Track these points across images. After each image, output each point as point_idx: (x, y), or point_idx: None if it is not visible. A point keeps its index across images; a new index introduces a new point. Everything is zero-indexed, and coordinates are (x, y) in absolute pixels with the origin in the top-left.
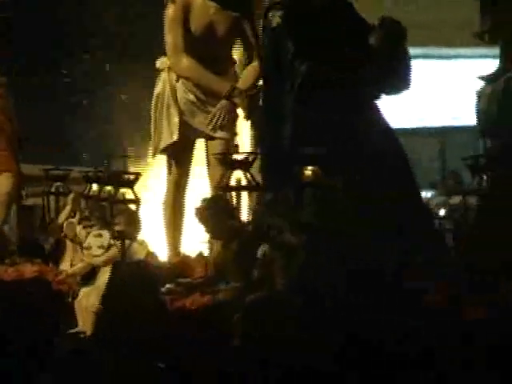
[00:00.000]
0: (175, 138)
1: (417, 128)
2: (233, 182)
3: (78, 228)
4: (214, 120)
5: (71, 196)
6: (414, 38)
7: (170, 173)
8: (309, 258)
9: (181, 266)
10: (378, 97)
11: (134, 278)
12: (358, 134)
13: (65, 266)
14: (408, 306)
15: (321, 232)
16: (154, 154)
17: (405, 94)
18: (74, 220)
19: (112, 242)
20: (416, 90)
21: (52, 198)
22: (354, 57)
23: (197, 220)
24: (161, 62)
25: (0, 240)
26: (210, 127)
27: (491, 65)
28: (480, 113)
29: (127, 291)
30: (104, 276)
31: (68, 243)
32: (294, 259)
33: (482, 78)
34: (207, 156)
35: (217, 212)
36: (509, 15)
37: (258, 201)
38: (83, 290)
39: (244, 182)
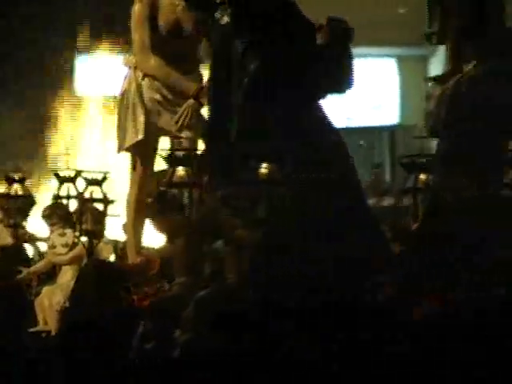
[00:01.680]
0: (140, 136)
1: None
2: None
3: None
4: (181, 119)
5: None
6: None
7: (133, 171)
8: (261, 253)
9: (143, 263)
10: (323, 96)
11: (98, 275)
12: (305, 131)
13: None
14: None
15: (274, 228)
16: (118, 152)
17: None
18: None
19: (76, 240)
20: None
21: None
22: (301, 55)
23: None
24: (127, 60)
25: None
26: (176, 127)
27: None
28: (428, 114)
29: (92, 288)
30: (67, 274)
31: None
32: (246, 255)
33: (431, 79)
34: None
35: (163, 208)
36: (455, 18)
37: (210, 197)
38: (46, 289)
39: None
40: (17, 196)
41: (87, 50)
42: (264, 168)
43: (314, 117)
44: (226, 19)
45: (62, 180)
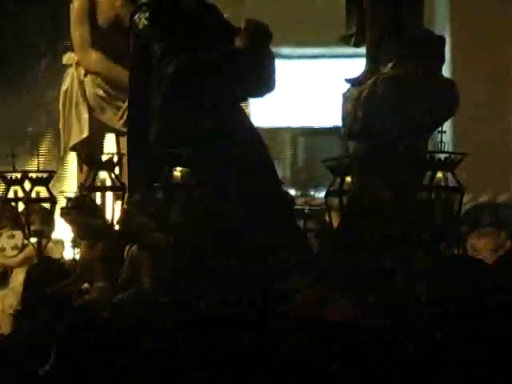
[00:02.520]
0: (85, 134)
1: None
2: None
3: None
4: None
5: None
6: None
7: (80, 171)
8: (175, 257)
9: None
10: (243, 98)
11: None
12: (224, 134)
13: None
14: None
15: (188, 231)
16: (64, 152)
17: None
18: None
19: (25, 241)
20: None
21: None
22: (220, 57)
23: (63, 220)
24: (68, 58)
25: None
26: (120, 122)
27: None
28: (346, 115)
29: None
30: (18, 277)
31: None
32: (161, 259)
33: (348, 80)
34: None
35: (82, 212)
36: (373, 19)
37: (127, 201)
38: None
39: (109, 183)
40: None
41: None
42: (178, 171)
43: (233, 118)
44: (144, 22)
45: (9, 182)
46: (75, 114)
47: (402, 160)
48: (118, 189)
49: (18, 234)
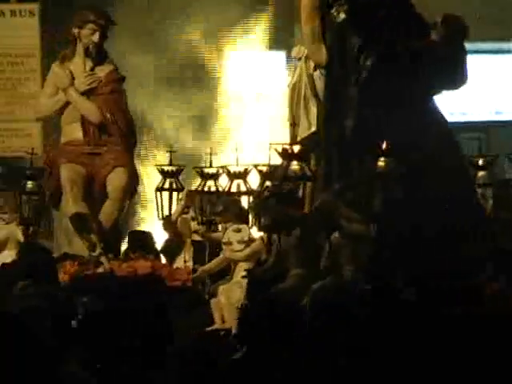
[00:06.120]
0: (313, 129)
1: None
2: None
3: (193, 224)
4: None
5: (185, 192)
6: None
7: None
8: (377, 247)
9: None
10: (437, 92)
11: None
12: (419, 128)
13: (179, 262)
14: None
15: (389, 222)
16: (290, 145)
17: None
18: (188, 216)
19: (252, 236)
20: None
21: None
22: (417, 52)
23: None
24: (297, 51)
25: (115, 235)
26: None
27: None
28: None
29: None
30: (242, 270)
31: (184, 240)
32: (362, 248)
33: None
34: None
35: (280, 201)
36: None
37: (327, 190)
38: (222, 287)
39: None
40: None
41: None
42: (380, 163)
43: (428, 112)
44: (342, 16)
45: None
46: (303, 108)
47: None
48: (309, 178)
49: (245, 227)
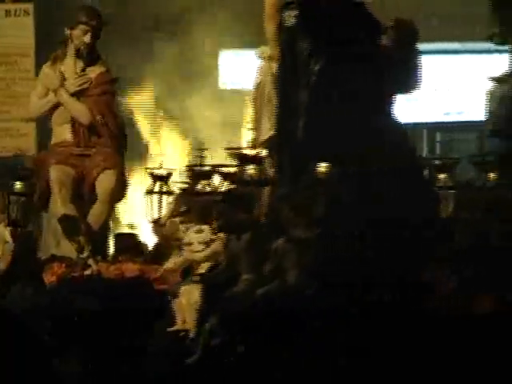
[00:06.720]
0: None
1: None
2: None
3: (181, 227)
4: None
5: (174, 195)
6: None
7: None
8: (321, 250)
9: None
10: (390, 95)
11: None
12: (372, 132)
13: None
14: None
15: (333, 226)
16: (253, 146)
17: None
18: (177, 219)
19: (213, 237)
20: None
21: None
22: (369, 56)
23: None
24: (261, 51)
25: (103, 238)
26: None
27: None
28: (489, 113)
29: None
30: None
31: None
32: (306, 252)
33: (493, 78)
34: None
35: (231, 205)
36: None
37: (274, 195)
38: (183, 288)
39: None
40: None
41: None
42: (323, 167)
43: (380, 115)
44: (293, 20)
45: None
46: (266, 109)
47: None
48: (265, 183)
49: (206, 229)
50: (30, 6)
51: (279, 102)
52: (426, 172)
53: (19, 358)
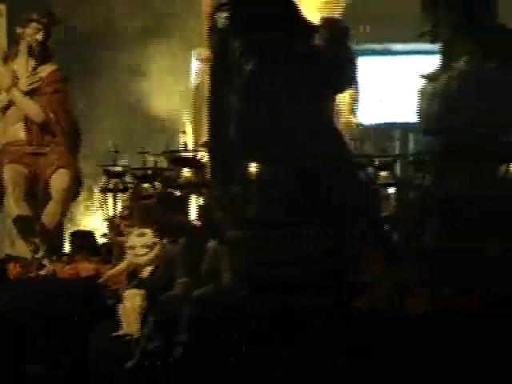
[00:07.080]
0: None
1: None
2: None
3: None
4: None
5: (128, 193)
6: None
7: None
8: (254, 252)
9: None
10: (323, 94)
11: None
12: (305, 131)
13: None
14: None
15: (266, 226)
16: (189, 148)
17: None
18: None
19: (156, 240)
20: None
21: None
22: (300, 55)
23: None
24: (200, 52)
25: (58, 237)
26: None
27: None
28: (421, 111)
29: None
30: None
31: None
32: (238, 253)
33: (423, 76)
34: None
35: (165, 208)
36: (448, 16)
37: (207, 197)
38: (128, 292)
39: None
40: None
41: None
42: (253, 167)
43: (313, 115)
44: (224, 21)
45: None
46: (204, 111)
47: (484, 156)
48: (201, 185)
49: (149, 232)
50: (2, 7)
51: (211, 103)
52: (367, 170)
53: None
